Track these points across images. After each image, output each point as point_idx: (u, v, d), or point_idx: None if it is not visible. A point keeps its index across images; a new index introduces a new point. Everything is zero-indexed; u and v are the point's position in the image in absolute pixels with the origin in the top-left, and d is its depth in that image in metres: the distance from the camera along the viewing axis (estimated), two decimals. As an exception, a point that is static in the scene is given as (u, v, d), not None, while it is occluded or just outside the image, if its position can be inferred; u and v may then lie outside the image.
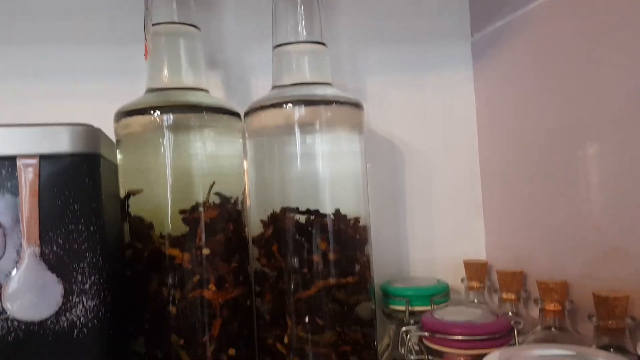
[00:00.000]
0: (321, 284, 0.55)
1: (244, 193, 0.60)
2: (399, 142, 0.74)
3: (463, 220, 0.75)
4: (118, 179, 0.55)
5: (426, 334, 0.48)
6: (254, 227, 0.59)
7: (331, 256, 0.55)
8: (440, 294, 0.62)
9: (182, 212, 0.54)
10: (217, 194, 0.55)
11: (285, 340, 0.55)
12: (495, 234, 0.73)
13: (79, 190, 0.41)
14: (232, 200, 0.57)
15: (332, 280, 0.55)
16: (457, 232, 0.74)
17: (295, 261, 0.55)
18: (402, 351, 0.51)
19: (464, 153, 0.75)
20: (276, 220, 0.56)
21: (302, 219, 0.56)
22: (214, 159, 0.57)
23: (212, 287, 0.54)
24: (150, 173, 0.54)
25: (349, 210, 0.58)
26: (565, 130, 0.58)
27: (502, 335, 0.47)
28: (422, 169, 0.75)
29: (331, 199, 0.57)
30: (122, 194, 0.55)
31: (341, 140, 0.59)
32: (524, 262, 0.65)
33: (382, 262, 0.67)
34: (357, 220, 0.58)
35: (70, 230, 0.41)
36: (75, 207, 0.41)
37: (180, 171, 0.55)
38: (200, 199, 0.55)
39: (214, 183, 0.56)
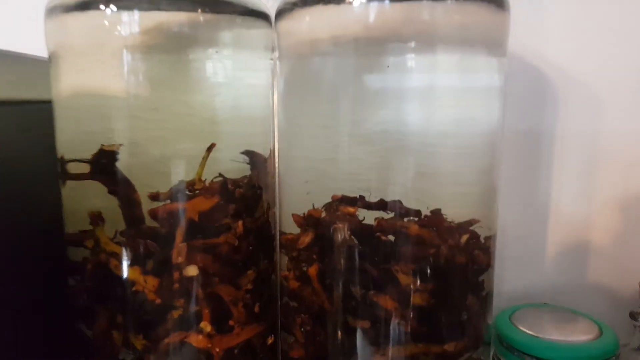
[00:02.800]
0: (394, 352, 0.30)
1: (271, 156, 0.34)
2: (555, 75, 0.43)
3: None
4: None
5: None
6: (283, 219, 0.34)
7: (419, 299, 0.29)
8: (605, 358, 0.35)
9: (152, 197, 0.30)
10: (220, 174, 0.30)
11: None
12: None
13: None
14: (248, 175, 0.32)
15: (417, 347, 0.30)
16: None
17: (352, 302, 0.30)
18: None
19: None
20: (320, 221, 0.31)
21: (368, 218, 0.30)
22: (216, 94, 0.31)
23: (205, 327, 0.31)
24: (98, 118, 0.30)
25: (462, 210, 0.31)
26: None
27: None
28: (589, 121, 0.44)
29: (437, 190, 0.30)
30: (59, 152, 0.31)
31: (467, 66, 0.31)
32: None
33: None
34: (473, 235, 0.30)
35: None
36: None
37: (151, 121, 0.30)
38: (184, 172, 0.30)
39: (212, 146, 0.30)
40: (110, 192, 0.30)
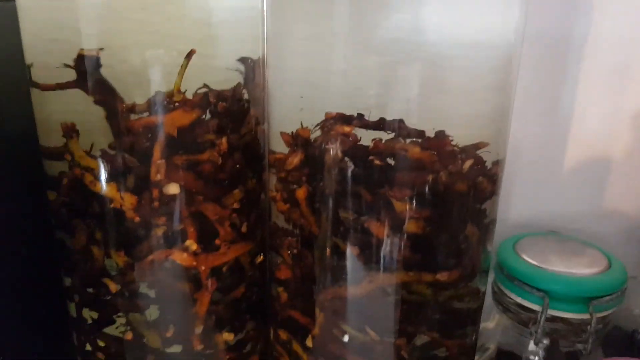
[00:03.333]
0: (384, 279, 0.28)
1: (259, 65, 0.31)
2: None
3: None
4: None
5: None
6: (272, 137, 0.32)
7: (413, 227, 0.27)
8: (610, 293, 0.33)
9: (128, 109, 0.27)
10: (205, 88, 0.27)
11: (309, 343, 0.31)
12: None
13: None
14: (234, 85, 0.29)
15: (408, 275, 0.28)
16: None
17: (341, 228, 0.28)
18: None
19: None
20: (309, 141, 0.28)
21: (364, 137, 0.28)
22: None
23: (191, 245, 0.30)
24: (74, 19, 0.27)
25: (471, 132, 0.28)
26: None
27: None
28: (627, 29, 0.39)
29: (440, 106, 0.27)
30: (27, 58, 0.29)
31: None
32: None
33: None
34: (478, 160, 0.28)
35: None
36: None
37: (138, 23, 0.27)
38: (162, 82, 0.27)
39: (191, 52, 0.27)
40: (96, 102, 0.27)
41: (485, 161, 0.28)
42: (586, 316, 0.32)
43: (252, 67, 0.31)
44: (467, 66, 0.27)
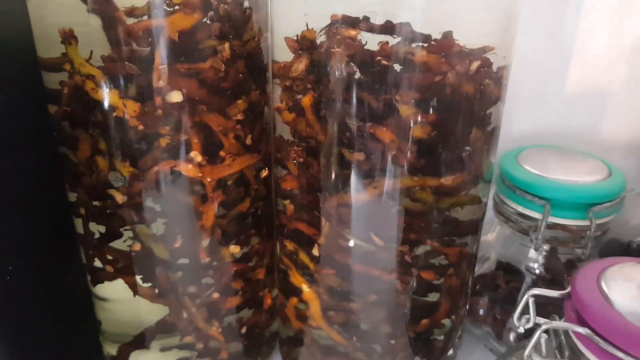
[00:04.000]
0: (388, 184, 0.28)
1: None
2: None
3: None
4: None
5: (584, 332, 0.23)
6: (276, 45, 0.31)
7: (419, 132, 0.27)
8: (609, 200, 0.34)
9: (127, 12, 0.26)
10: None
11: (316, 252, 0.32)
12: None
13: None
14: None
15: (412, 180, 0.28)
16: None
17: (346, 134, 0.28)
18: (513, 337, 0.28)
19: None
20: (315, 44, 0.28)
21: (369, 42, 0.27)
22: None
23: (196, 157, 0.30)
24: None
25: (477, 40, 0.27)
26: None
27: None
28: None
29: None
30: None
31: None
32: None
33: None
34: (485, 62, 0.27)
35: None
36: None
37: None
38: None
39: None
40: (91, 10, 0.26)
41: (492, 63, 0.27)
42: (586, 223, 0.33)
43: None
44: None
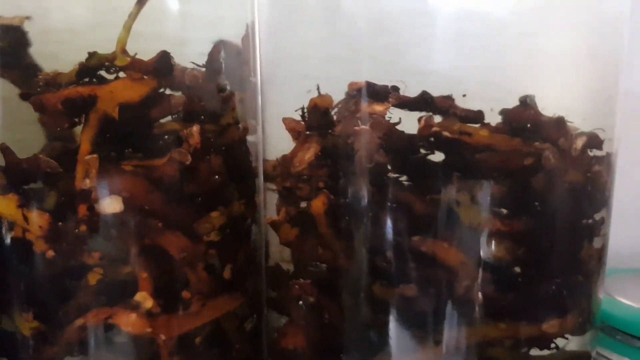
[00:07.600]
0: (462, 338, 0.17)
1: (248, 38, 0.22)
2: None
3: None
4: None
5: None
6: (268, 134, 0.22)
7: (499, 250, 0.17)
8: None
9: (47, 81, 0.17)
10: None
11: None
12: None
13: None
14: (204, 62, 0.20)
15: (497, 329, 0.17)
16: None
17: (384, 256, 0.18)
18: None
19: None
20: (330, 119, 0.19)
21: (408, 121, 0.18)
22: None
23: (144, 301, 0.19)
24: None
25: (560, 104, 0.18)
26: None
27: None
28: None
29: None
30: None
31: None
32: None
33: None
34: (593, 139, 0.18)
35: None
36: None
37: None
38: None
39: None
40: None
41: (603, 140, 0.18)
42: None
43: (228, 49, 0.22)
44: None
